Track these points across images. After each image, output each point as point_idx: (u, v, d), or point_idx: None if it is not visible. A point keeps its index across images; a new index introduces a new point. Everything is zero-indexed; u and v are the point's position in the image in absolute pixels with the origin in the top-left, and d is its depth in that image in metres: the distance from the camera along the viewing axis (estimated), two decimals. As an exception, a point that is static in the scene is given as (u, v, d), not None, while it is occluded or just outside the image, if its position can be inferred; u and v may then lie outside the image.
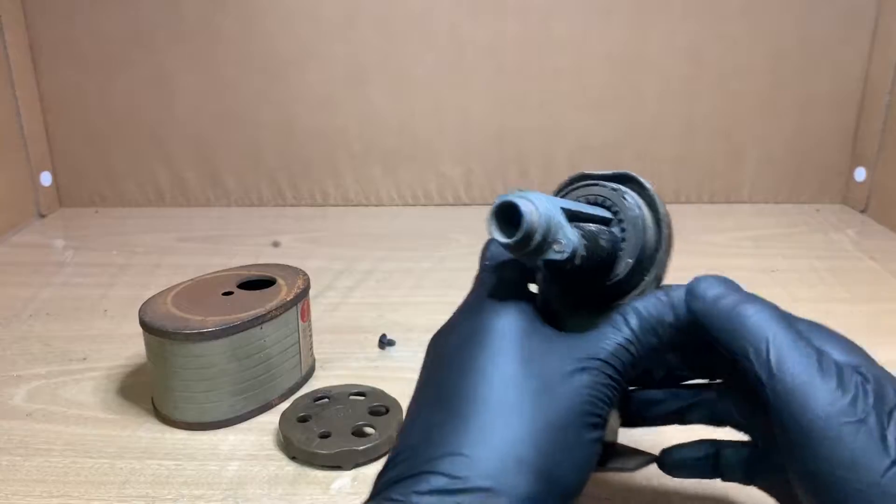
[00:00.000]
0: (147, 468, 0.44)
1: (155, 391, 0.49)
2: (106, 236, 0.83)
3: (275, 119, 0.90)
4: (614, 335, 0.29)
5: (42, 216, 0.90)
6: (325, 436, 0.44)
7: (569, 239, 0.27)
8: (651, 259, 0.32)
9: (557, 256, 0.27)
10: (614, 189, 0.32)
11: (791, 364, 0.27)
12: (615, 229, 0.32)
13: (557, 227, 0.27)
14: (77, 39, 0.86)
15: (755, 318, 0.28)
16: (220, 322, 0.46)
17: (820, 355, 0.27)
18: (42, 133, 0.89)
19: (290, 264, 0.56)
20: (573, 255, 0.27)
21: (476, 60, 0.88)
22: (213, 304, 0.49)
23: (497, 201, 0.26)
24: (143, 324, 0.47)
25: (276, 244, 0.80)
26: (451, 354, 0.30)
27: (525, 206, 0.26)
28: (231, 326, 0.46)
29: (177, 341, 0.45)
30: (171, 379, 0.47)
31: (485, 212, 0.27)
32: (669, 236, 0.33)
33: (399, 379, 0.52)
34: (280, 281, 0.52)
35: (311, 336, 0.54)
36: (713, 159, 0.91)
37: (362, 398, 0.49)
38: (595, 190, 0.33)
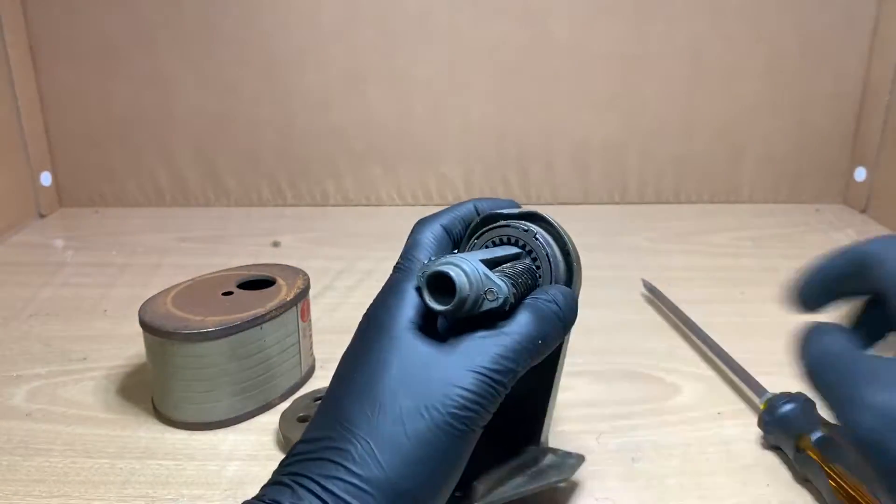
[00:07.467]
0: (147, 468, 0.44)
1: (155, 391, 0.49)
2: (106, 236, 0.83)
3: (275, 119, 0.90)
4: (495, 346, 0.30)
5: (42, 216, 0.90)
6: (325, 436, 0.44)
7: (499, 287, 0.29)
8: None
9: (493, 305, 0.29)
10: (525, 229, 0.35)
11: None
12: (527, 261, 0.34)
13: (487, 282, 0.29)
14: (77, 39, 0.86)
15: None
16: (220, 322, 0.46)
17: None
18: (42, 133, 0.89)
19: (289, 264, 0.56)
20: (506, 301, 0.30)
21: (476, 61, 0.88)
22: (212, 304, 0.49)
23: (427, 272, 0.29)
24: (143, 324, 0.47)
25: (275, 244, 0.80)
26: (361, 346, 0.32)
27: (456, 275, 0.28)
28: (231, 326, 0.46)
29: (177, 341, 0.45)
30: (171, 379, 0.47)
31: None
32: (578, 269, 0.35)
33: (399, 379, 0.51)
34: (280, 281, 0.52)
35: (310, 336, 0.54)
36: (713, 159, 0.91)
37: (362, 398, 0.49)
38: (506, 231, 0.35)
